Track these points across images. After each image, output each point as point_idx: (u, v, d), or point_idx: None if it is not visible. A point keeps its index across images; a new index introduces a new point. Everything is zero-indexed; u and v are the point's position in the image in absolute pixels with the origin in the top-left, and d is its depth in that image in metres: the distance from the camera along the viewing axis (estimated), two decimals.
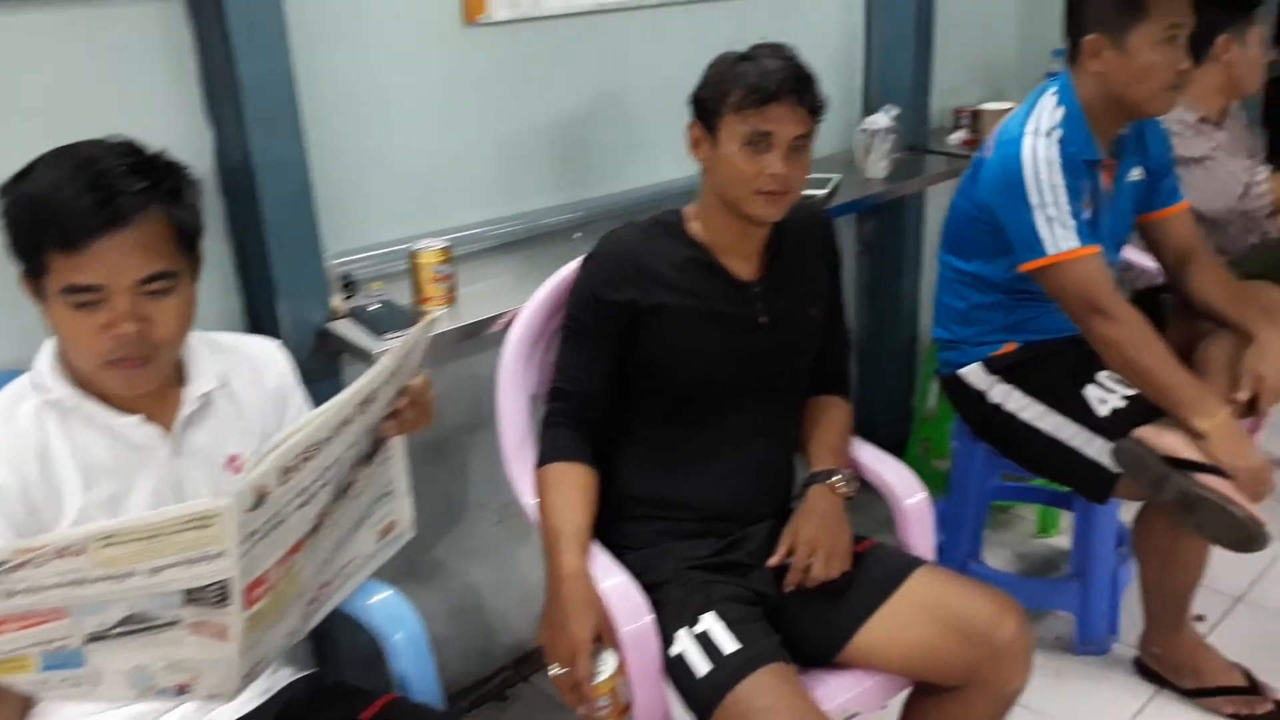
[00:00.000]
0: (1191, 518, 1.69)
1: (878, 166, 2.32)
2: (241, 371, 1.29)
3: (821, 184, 2.20)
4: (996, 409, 1.94)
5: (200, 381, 1.23)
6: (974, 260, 1.95)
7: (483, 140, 1.89)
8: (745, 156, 1.43)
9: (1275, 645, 2.14)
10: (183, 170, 1.15)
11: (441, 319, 1.60)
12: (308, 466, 1.03)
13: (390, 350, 1.14)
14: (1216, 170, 2.30)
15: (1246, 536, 1.65)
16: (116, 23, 1.46)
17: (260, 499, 0.98)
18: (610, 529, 1.53)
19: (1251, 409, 1.85)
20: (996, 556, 2.50)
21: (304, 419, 1.04)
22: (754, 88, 1.41)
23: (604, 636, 1.36)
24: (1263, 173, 2.31)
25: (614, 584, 1.40)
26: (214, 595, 0.99)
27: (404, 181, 1.80)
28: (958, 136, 2.60)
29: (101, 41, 1.46)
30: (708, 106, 1.46)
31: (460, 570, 2.06)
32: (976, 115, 2.57)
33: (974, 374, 1.98)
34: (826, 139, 2.51)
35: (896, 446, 2.76)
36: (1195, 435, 1.70)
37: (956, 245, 1.99)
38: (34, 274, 1.09)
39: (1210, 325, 1.95)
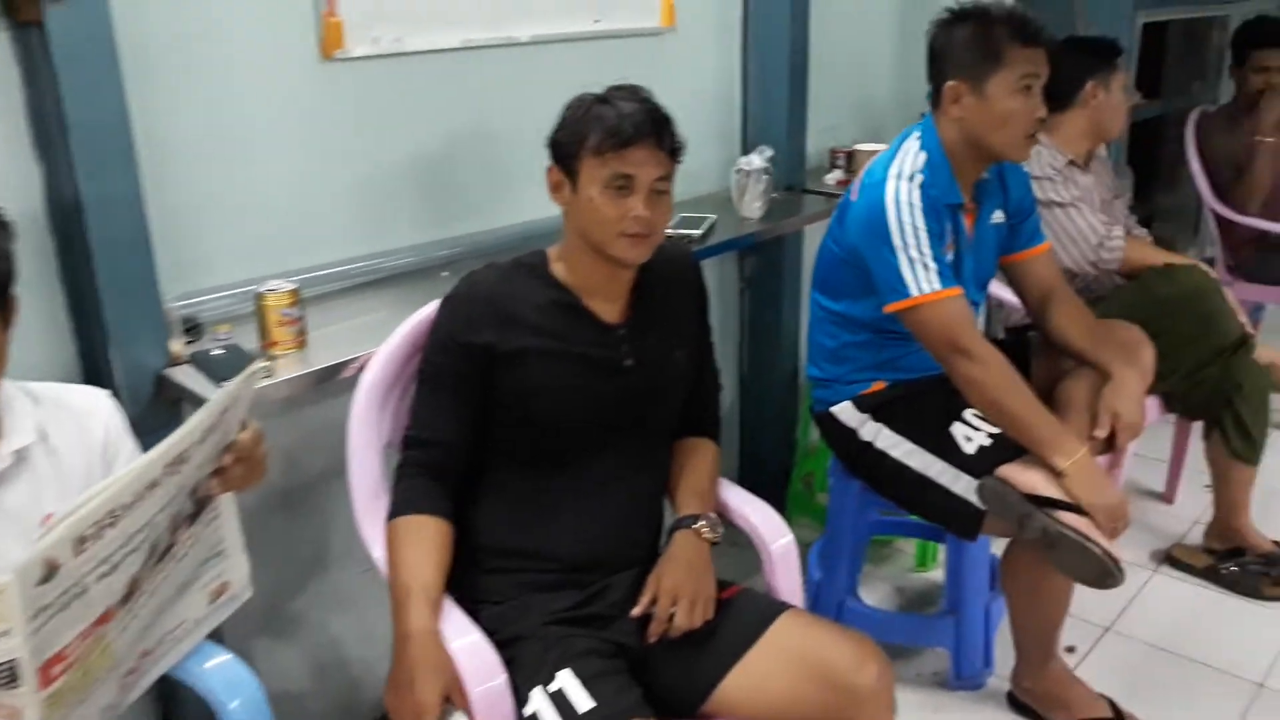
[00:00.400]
0: (1052, 554, 1.72)
1: (753, 206, 2.34)
2: (63, 424, 1.20)
3: (697, 224, 2.20)
4: (867, 446, 1.95)
5: (14, 436, 1.14)
6: (842, 300, 1.97)
7: (341, 178, 1.83)
8: (607, 200, 1.41)
9: (1140, 674, 2.20)
10: None
11: (284, 365, 1.53)
12: (109, 534, 0.96)
13: (205, 406, 1.07)
14: (1078, 219, 2.39)
15: (1104, 573, 1.68)
16: None
17: (51, 571, 0.90)
18: (467, 583, 1.48)
19: (1110, 445, 1.90)
20: (876, 591, 2.51)
21: (101, 484, 0.97)
22: (613, 131, 1.39)
23: (454, 698, 1.31)
24: (1119, 232, 2.40)
25: (465, 643, 1.34)
26: (2, 676, 0.91)
27: (256, 220, 1.73)
28: (834, 176, 2.64)
29: None
30: (566, 150, 1.44)
31: (323, 623, 1.98)
32: (851, 156, 2.62)
33: (845, 412, 2.00)
34: (704, 179, 2.54)
35: (780, 482, 2.77)
36: (1055, 473, 1.73)
37: (825, 285, 2.01)
38: None
39: (1072, 363, 2.00)
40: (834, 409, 2.02)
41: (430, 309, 1.53)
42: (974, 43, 1.78)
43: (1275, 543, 2.50)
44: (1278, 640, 2.28)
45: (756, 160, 2.31)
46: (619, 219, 1.41)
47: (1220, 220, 3.38)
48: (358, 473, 1.52)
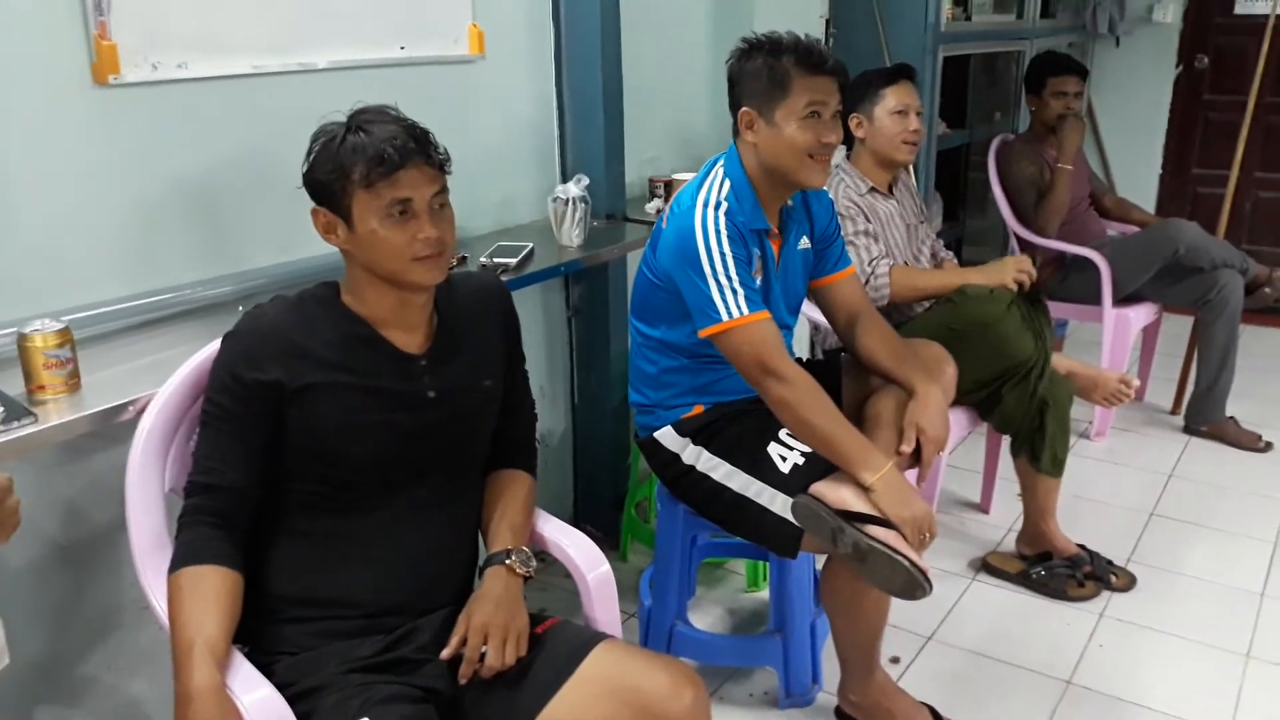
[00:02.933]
0: (864, 568, 1.75)
1: (572, 234, 2.33)
2: None
3: (513, 252, 2.18)
4: (690, 470, 1.97)
5: None
6: (659, 326, 1.98)
7: (119, 210, 1.72)
8: (390, 229, 1.37)
9: (960, 680, 2.27)
10: None
11: (54, 410, 1.42)
12: None
13: None
14: (851, 255, 2.47)
15: (912, 584, 1.72)
16: None
17: None
18: (262, 635, 1.40)
19: (916, 460, 1.96)
20: (709, 613, 2.53)
21: None
22: (378, 159, 1.35)
23: None
24: (884, 266, 2.49)
25: (255, 698, 1.26)
26: None
27: (24, 255, 1.60)
28: (653, 205, 2.67)
29: None
30: (330, 189, 1.38)
31: (119, 685, 1.83)
32: (670, 185, 2.65)
33: (667, 436, 2.00)
34: (523, 208, 2.52)
35: (614, 509, 2.76)
36: (864, 488, 1.77)
37: (643, 312, 2.02)
38: None
39: (879, 381, 2.06)
40: (656, 434, 2.02)
41: (214, 347, 1.44)
42: (763, 72, 1.83)
43: (1080, 546, 2.64)
44: (1083, 638, 2.41)
45: (573, 189, 2.31)
46: (408, 245, 1.38)
47: (1023, 242, 3.58)
48: (138, 522, 1.42)
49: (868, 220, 2.52)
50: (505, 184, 2.47)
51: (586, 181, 2.35)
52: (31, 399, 1.44)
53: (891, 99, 2.52)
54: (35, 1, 1.57)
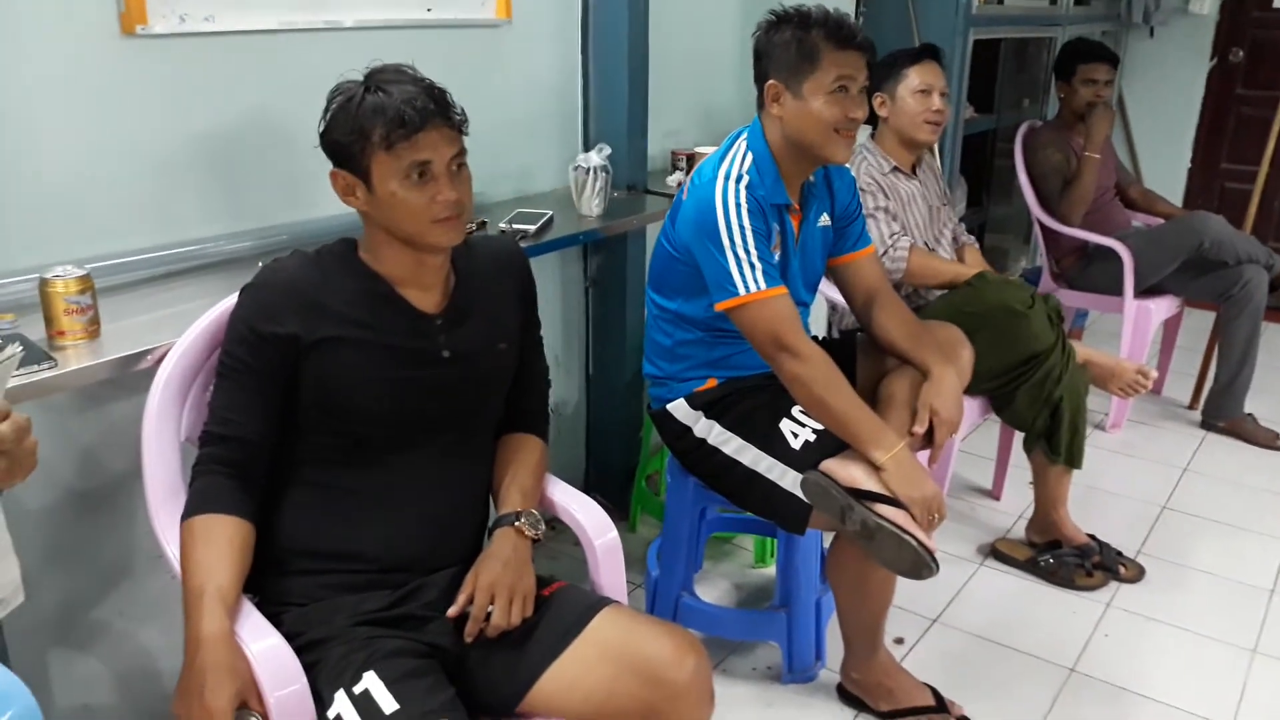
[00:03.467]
0: (871, 546, 1.76)
1: (592, 204, 2.33)
2: None
3: (532, 219, 2.18)
4: (701, 443, 1.97)
5: None
6: (676, 299, 1.98)
7: (143, 162, 1.73)
8: (410, 191, 1.37)
9: (963, 663, 2.27)
10: None
11: (73, 356, 1.43)
12: None
13: None
14: (869, 229, 2.46)
15: (919, 564, 1.73)
16: None
17: None
18: (272, 586, 1.42)
19: (929, 441, 1.96)
20: (716, 587, 2.54)
21: None
22: (399, 120, 1.34)
23: (250, 704, 1.24)
24: (904, 242, 2.48)
25: (263, 647, 1.27)
26: None
27: (49, 203, 1.61)
28: (675, 178, 2.66)
29: None
30: (349, 151, 1.37)
31: (130, 632, 1.86)
32: (692, 158, 2.64)
33: (680, 409, 2.01)
34: (544, 175, 2.52)
35: (625, 481, 2.77)
36: (874, 467, 1.77)
37: (660, 284, 2.02)
38: None
39: (894, 362, 2.05)
40: (669, 406, 2.03)
41: (232, 299, 1.45)
42: (791, 45, 1.82)
43: (1090, 536, 2.64)
44: (1088, 627, 2.41)
45: (594, 158, 2.30)
46: (427, 207, 1.38)
47: (1046, 230, 3.56)
48: (153, 469, 1.43)
49: (887, 198, 2.51)
50: (527, 151, 2.46)
51: (608, 151, 2.34)
52: (52, 344, 1.46)
53: (915, 78, 2.51)
54: None
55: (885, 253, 2.45)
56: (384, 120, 1.34)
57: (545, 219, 2.20)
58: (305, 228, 1.96)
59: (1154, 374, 2.65)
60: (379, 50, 2.00)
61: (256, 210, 1.91)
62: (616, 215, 2.39)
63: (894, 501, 1.75)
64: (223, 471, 1.38)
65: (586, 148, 2.53)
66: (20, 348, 1.02)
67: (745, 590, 2.55)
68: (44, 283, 1.44)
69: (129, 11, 1.63)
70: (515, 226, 2.13)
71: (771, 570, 2.58)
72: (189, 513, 1.35)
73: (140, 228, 1.73)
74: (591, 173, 2.30)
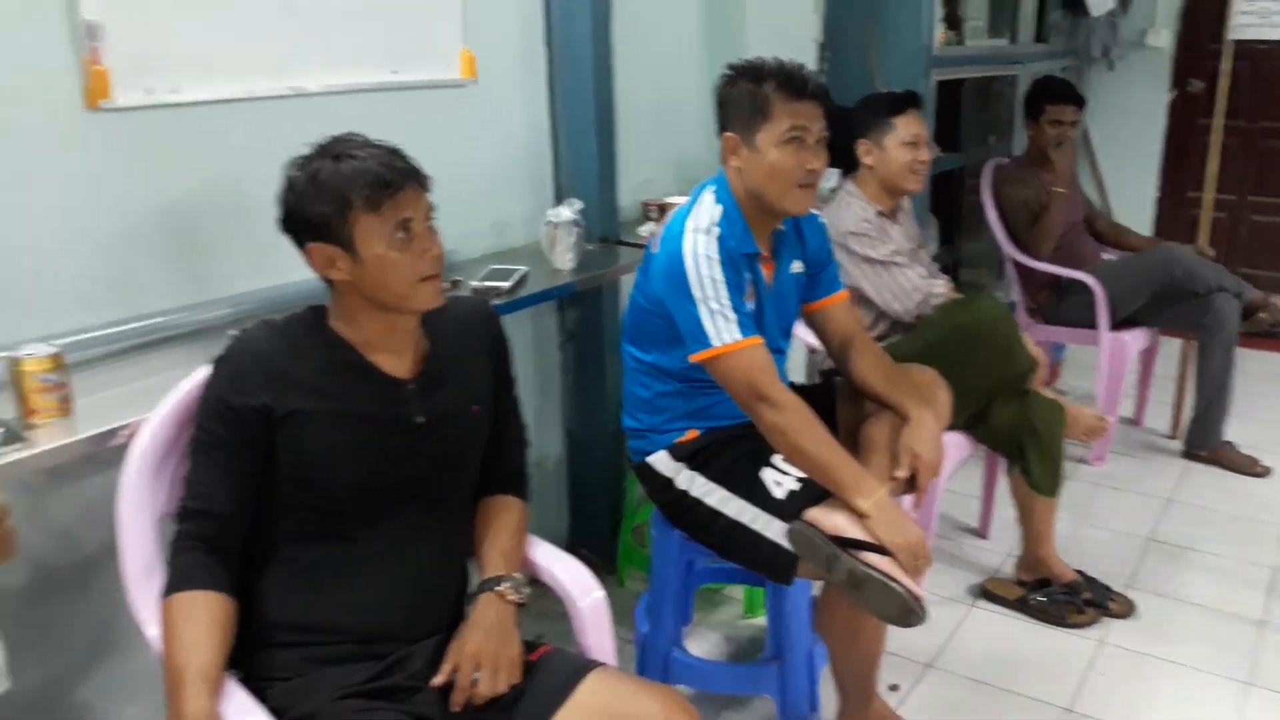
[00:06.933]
0: (859, 595, 1.74)
1: (565, 258, 2.33)
2: None
3: (506, 275, 2.18)
4: (683, 495, 1.95)
5: None
6: (652, 351, 1.97)
7: (109, 234, 1.72)
8: (396, 251, 1.37)
9: (959, 708, 2.25)
10: None
11: (46, 435, 1.41)
12: None
13: None
14: (898, 275, 2.50)
15: (907, 611, 1.71)
16: None
17: None
18: (255, 660, 1.39)
19: (912, 486, 1.95)
20: (706, 640, 2.51)
21: None
22: (381, 181, 1.34)
23: None
24: (941, 285, 2.52)
25: None
26: None
27: (11, 280, 1.60)
28: (647, 228, 2.66)
29: None
30: (328, 221, 1.36)
31: (111, 712, 1.82)
32: (663, 208, 2.65)
33: (661, 461, 1.99)
34: (515, 231, 2.52)
35: (611, 535, 2.74)
36: (858, 514, 1.76)
37: (635, 336, 2.01)
38: None
39: (874, 406, 2.05)
40: (650, 459, 2.01)
41: (204, 372, 1.43)
42: (746, 97, 1.83)
43: (1078, 572, 2.63)
44: (1082, 666, 2.39)
45: (566, 212, 2.31)
46: (414, 265, 1.38)
47: (1018, 266, 3.59)
48: (129, 547, 1.40)
49: (890, 241, 2.54)
50: (498, 207, 2.47)
51: (580, 205, 2.35)
52: (24, 424, 1.43)
53: (902, 129, 2.54)
54: (30, 28, 1.58)
55: (925, 300, 2.47)
56: (365, 182, 1.34)
57: (520, 275, 2.20)
58: (271, 294, 1.94)
59: (1110, 420, 2.67)
60: (344, 114, 2.02)
61: (223, 280, 1.90)
62: (590, 268, 2.40)
63: (880, 549, 1.74)
64: (201, 547, 1.36)
65: (558, 201, 2.53)
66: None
67: (736, 642, 2.52)
68: (14, 362, 1.42)
69: (93, 86, 1.63)
70: (490, 284, 2.13)
71: (762, 620, 2.55)
72: (169, 590, 1.33)
73: (107, 301, 1.72)
74: (563, 227, 2.30)
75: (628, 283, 2.62)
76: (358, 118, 2.00)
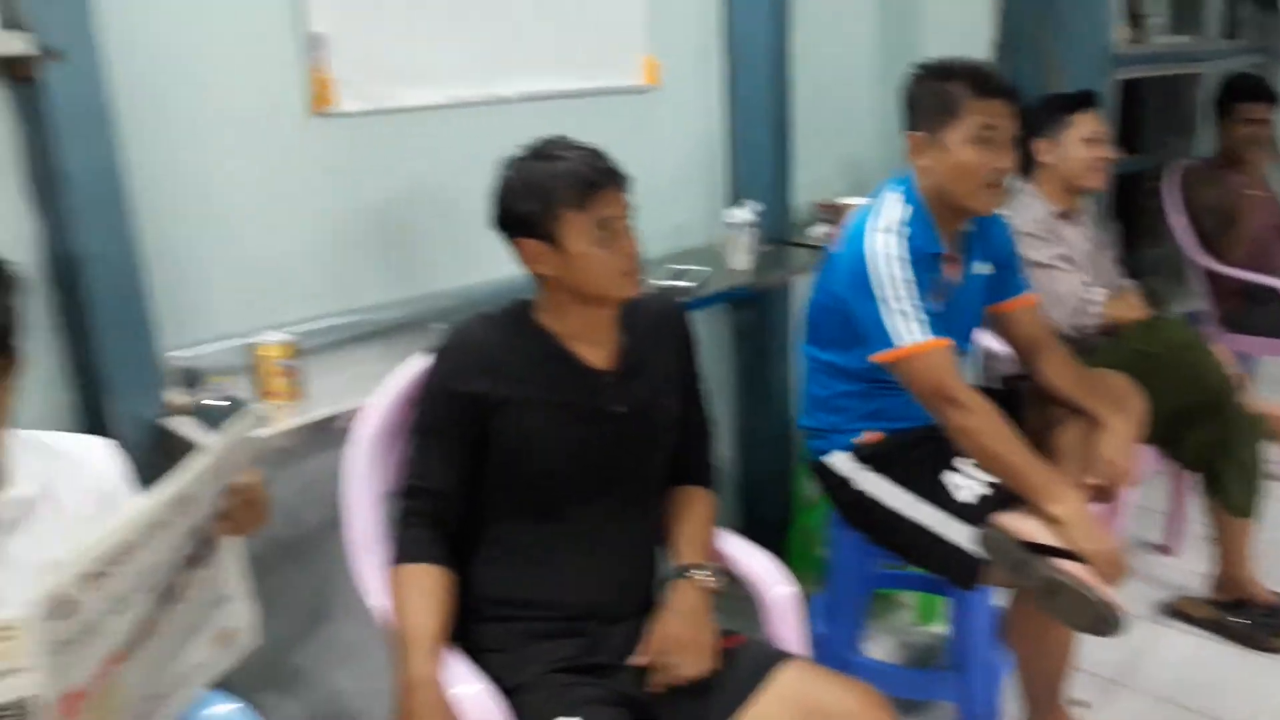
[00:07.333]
0: (1051, 602, 1.69)
1: (741, 259, 2.36)
2: (66, 474, 1.19)
3: (687, 276, 2.22)
4: (862, 496, 1.94)
5: (19, 485, 1.13)
6: (831, 350, 1.97)
7: (331, 231, 1.86)
8: (599, 247, 1.43)
9: None
10: None
11: (283, 415, 1.53)
12: (121, 572, 0.96)
13: (206, 449, 1.07)
14: (1058, 281, 2.42)
15: (1102, 620, 1.66)
16: None
17: (71, 607, 0.91)
18: (469, 631, 1.46)
19: (1104, 494, 1.89)
20: (880, 645, 2.48)
21: (113, 522, 0.97)
22: (586, 180, 1.41)
23: None
24: (1099, 294, 2.43)
25: (469, 691, 1.32)
26: (14, 715, 0.89)
27: (250, 273, 1.75)
28: (820, 230, 2.67)
29: None
30: (537, 218, 1.43)
31: (325, 677, 1.95)
32: (836, 209, 2.65)
33: (839, 461, 1.99)
34: (690, 232, 2.57)
35: (778, 535, 2.75)
36: (1051, 520, 1.72)
37: (814, 336, 2.01)
38: None
39: (1062, 412, 2.00)
40: (828, 459, 2.01)
41: (422, 360, 1.53)
42: (933, 96, 1.82)
43: (1275, 594, 2.48)
44: None
45: (745, 214, 2.34)
46: (615, 260, 1.43)
47: (1208, 273, 3.42)
48: (355, 522, 1.51)
49: (1060, 245, 2.46)
50: (675, 209, 2.52)
51: (758, 206, 2.37)
52: (261, 406, 1.56)
53: (1082, 126, 2.47)
54: (264, 41, 1.73)
55: (1080, 309, 2.40)
56: (572, 182, 1.41)
57: (700, 275, 2.24)
58: (470, 291, 2.05)
59: None
60: (538, 119, 2.11)
61: (427, 276, 2.01)
62: (766, 270, 2.42)
63: (1072, 556, 1.69)
64: (422, 523, 1.45)
65: (732, 203, 2.57)
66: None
67: (911, 648, 2.49)
68: (256, 349, 1.55)
69: (318, 93, 1.76)
70: (671, 284, 2.17)
71: (937, 629, 2.52)
72: (396, 562, 1.43)
73: (330, 294, 1.86)
74: (741, 229, 2.33)
75: (800, 284, 2.64)
76: (548, 123, 2.09)
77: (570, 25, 2.17)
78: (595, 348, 1.53)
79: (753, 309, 2.67)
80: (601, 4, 2.22)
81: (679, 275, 2.22)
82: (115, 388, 1.50)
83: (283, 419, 1.53)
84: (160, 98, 1.60)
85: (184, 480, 1.03)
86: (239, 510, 1.17)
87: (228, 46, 1.67)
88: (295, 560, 1.85)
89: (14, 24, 1.40)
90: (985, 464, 1.79)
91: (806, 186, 2.79)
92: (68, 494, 1.18)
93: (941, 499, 1.83)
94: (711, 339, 2.69)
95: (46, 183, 1.45)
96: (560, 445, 1.48)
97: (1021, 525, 1.73)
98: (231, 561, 1.21)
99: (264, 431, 1.48)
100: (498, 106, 2.05)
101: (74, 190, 1.42)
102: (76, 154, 1.41)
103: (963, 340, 1.99)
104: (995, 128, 1.80)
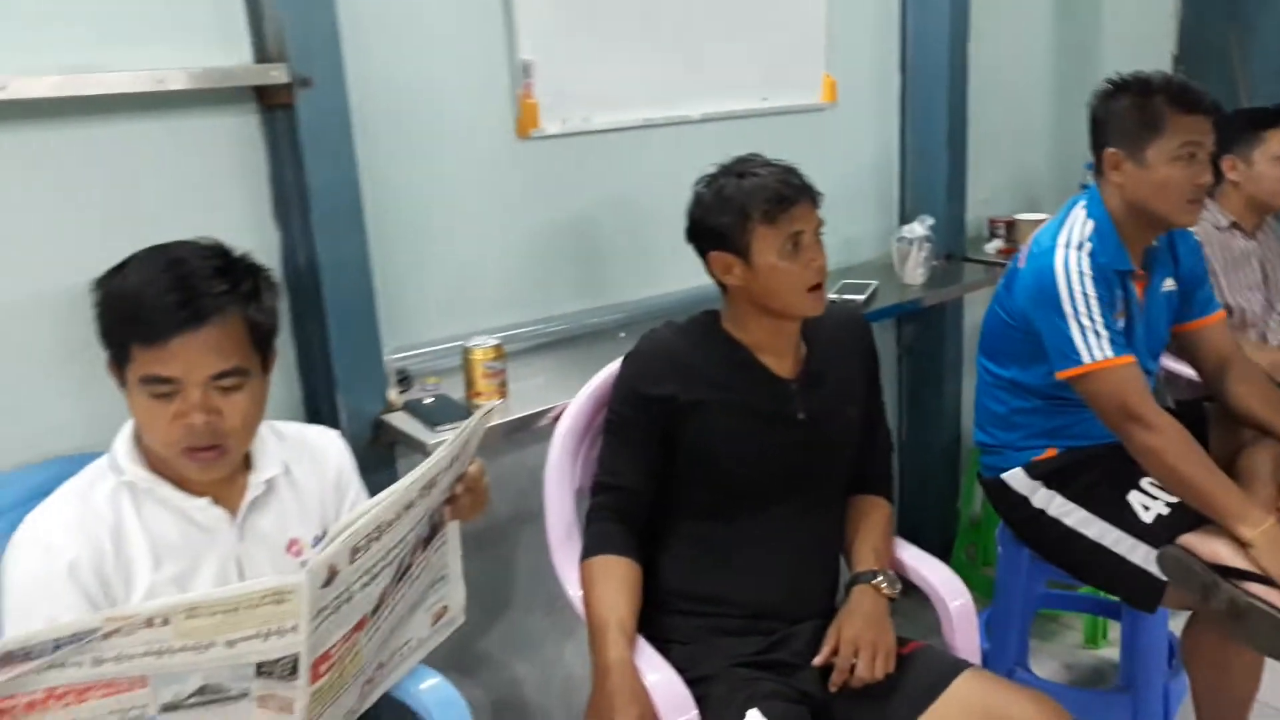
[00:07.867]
0: (1240, 627, 1.66)
1: (915, 273, 2.38)
2: (303, 459, 1.34)
3: (860, 289, 2.26)
4: (1040, 514, 1.94)
5: (265, 469, 1.28)
6: (1010, 367, 1.98)
7: (530, 244, 1.99)
8: (787, 261, 1.49)
9: None
10: (263, 273, 1.23)
11: (495, 411, 1.65)
12: (374, 547, 1.07)
13: (450, 438, 1.18)
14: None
15: None
16: (198, 131, 1.57)
17: (331, 576, 1.01)
18: (655, 623, 1.54)
19: None
20: (1043, 667, 2.45)
21: (371, 501, 1.08)
22: (778, 196, 1.48)
23: None
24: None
25: (659, 678, 1.40)
26: (285, 669, 1.01)
27: (458, 282, 1.89)
28: (993, 245, 2.66)
29: (183, 147, 1.56)
30: (729, 231, 1.50)
31: (505, 663, 2.07)
32: (1011, 225, 2.64)
33: (1016, 478, 1.99)
34: (863, 247, 2.60)
35: (941, 551, 2.74)
36: (1241, 543, 1.68)
37: (993, 352, 2.02)
38: (118, 361, 1.16)
39: (1252, 433, 1.95)
40: (1004, 475, 2.01)
41: (614, 366, 1.63)
42: (1133, 112, 1.81)
43: None
44: None
45: (919, 228, 2.36)
46: (802, 274, 1.49)
47: None
48: (553, 515, 1.61)
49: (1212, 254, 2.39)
50: (848, 224, 2.57)
51: (931, 221, 2.40)
52: (470, 404, 1.69)
53: (1275, 143, 2.39)
54: (480, 69, 1.87)
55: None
56: (764, 198, 1.48)
57: (872, 288, 2.27)
58: (654, 302, 2.15)
59: None
60: (720, 138, 2.20)
61: (615, 287, 2.12)
62: (938, 284, 2.43)
63: (1261, 578, 1.65)
64: (613, 517, 1.54)
65: (903, 219, 2.59)
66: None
67: (1076, 671, 2.45)
68: (467, 351, 1.68)
69: (524, 117, 1.89)
70: (844, 297, 2.22)
71: (1103, 652, 2.47)
72: (588, 553, 1.52)
73: (531, 302, 1.99)
74: (915, 243, 2.36)
75: (972, 300, 2.64)
76: (730, 142, 2.18)
77: (753, 48, 2.25)
78: (779, 357, 1.59)
79: (921, 324, 2.68)
80: (783, 25, 2.29)
81: (849, 289, 2.26)
82: (344, 385, 1.65)
83: (490, 417, 1.65)
84: (392, 121, 1.76)
85: (429, 466, 1.14)
86: (465, 496, 1.28)
87: (451, 74, 1.82)
88: (484, 551, 1.97)
89: (266, 57, 1.58)
90: (1171, 484, 1.77)
91: (979, 202, 2.79)
92: (304, 476, 1.33)
93: (1125, 519, 1.82)
94: (880, 353, 2.71)
95: (292, 198, 1.62)
96: (744, 448, 1.55)
97: (1208, 546, 1.71)
98: (453, 544, 1.33)
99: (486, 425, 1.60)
100: (683, 127, 2.15)
101: (318, 205, 1.57)
102: (322, 172, 1.57)
103: (1148, 358, 1.97)
104: (1199, 144, 1.78)
